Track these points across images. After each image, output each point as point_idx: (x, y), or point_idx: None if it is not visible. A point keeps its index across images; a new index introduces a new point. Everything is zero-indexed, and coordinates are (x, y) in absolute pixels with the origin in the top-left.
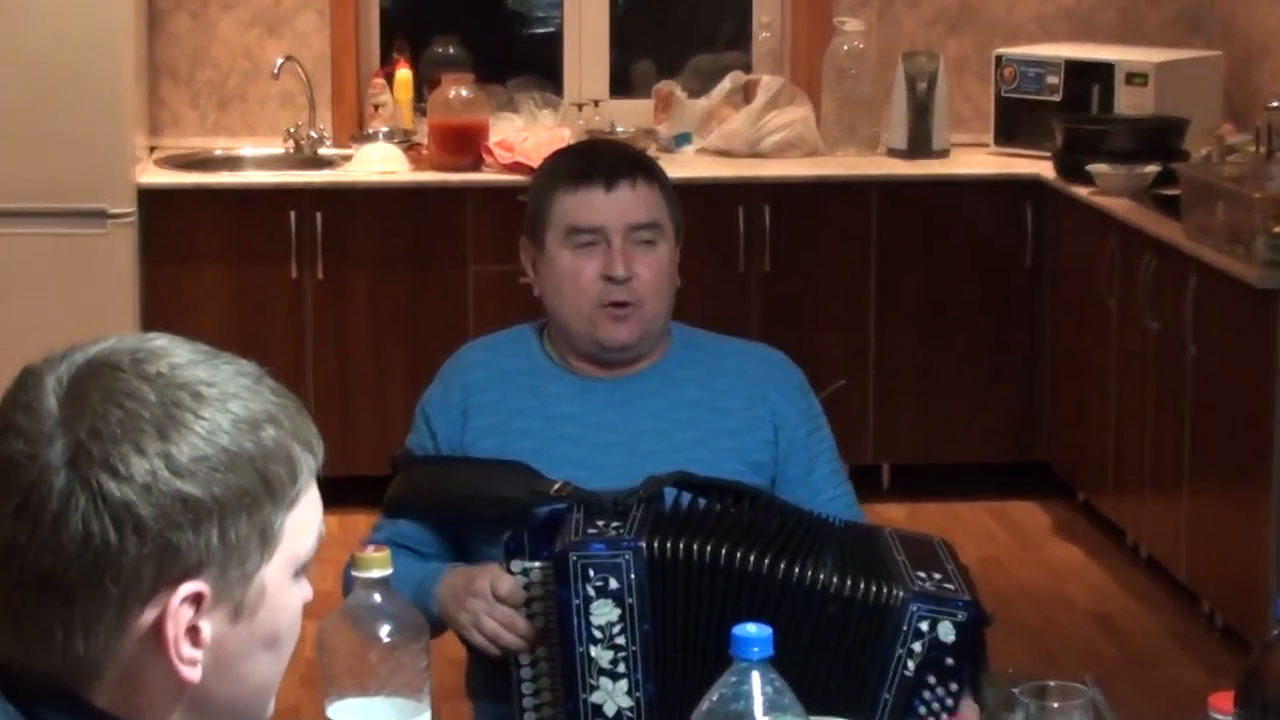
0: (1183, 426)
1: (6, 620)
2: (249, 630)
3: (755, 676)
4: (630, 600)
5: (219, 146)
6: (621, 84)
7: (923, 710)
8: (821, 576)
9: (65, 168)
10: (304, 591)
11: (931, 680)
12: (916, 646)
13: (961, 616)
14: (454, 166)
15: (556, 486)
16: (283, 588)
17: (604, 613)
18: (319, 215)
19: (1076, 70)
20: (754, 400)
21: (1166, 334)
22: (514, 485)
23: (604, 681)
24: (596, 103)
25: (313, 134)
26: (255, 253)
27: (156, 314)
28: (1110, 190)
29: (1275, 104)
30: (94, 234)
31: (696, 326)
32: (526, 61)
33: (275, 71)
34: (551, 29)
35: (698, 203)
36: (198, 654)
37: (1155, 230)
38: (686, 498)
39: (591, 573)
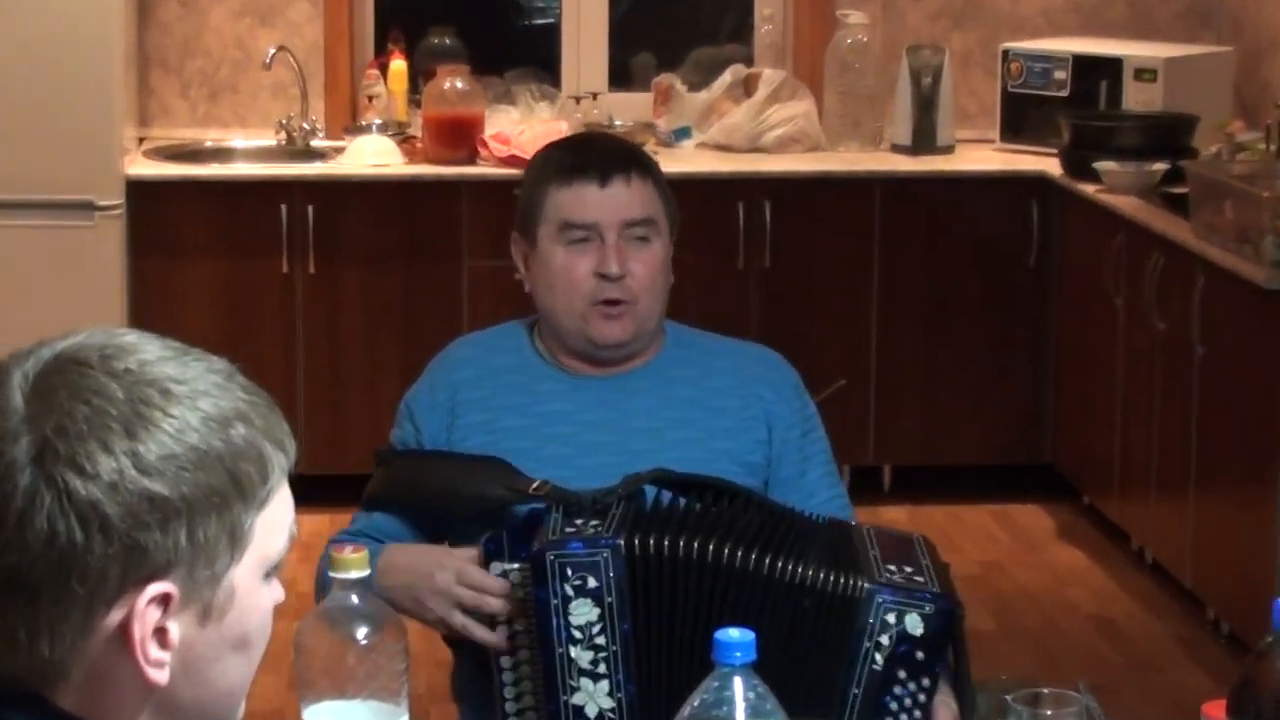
0: (1189, 429)
1: None
2: (218, 632)
3: (737, 682)
4: (609, 599)
5: (209, 138)
6: (621, 77)
7: (894, 706)
8: (795, 571)
9: (52, 159)
10: (275, 593)
11: (902, 675)
12: (884, 639)
13: (929, 609)
14: (449, 160)
15: (535, 485)
16: (253, 589)
17: (583, 612)
18: (311, 208)
19: (1084, 65)
20: (749, 400)
21: (1173, 334)
22: (493, 483)
23: (585, 682)
24: (595, 95)
25: (305, 125)
26: (246, 246)
27: (145, 308)
28: (1117, 188)
29: None
30: (81, 226)
31: (694, 324)
32: (524, 53)
33: (267, 61)
34: (550, 20)
35: (697, 198)
36: (165, 656)
37: (1163, 229)
38: (667, 495)
39: (569, 572)
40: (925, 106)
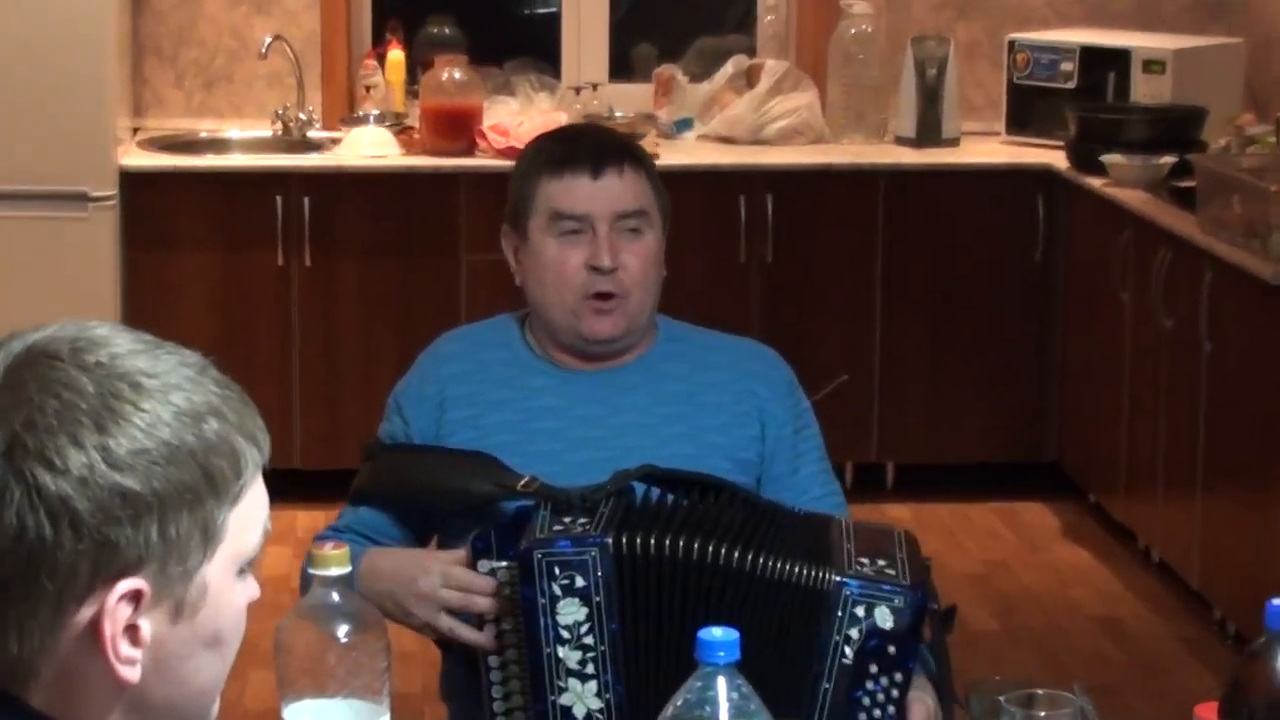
0: (1196, 426)
1: None
2: (190, 629)
3: (721, 681)
4: (598, 598)
5: (204, 128)
6: (621, 67)
7: (866, 701)
8: (772, 566)
9: (45, 149)
10: (249, 590)
11: (873, 670)
12: (853, 633)
13: (898, 601)
14: (447, 151)
15: (523, 482)
16: (226, 586)
17: (571, 612)
18: (307, 200)
19: (1092, 57)
20: (741, 396)
21: (1180, 330)
22: (480, 479)
23: (572, 683)
24: (595, 86)
25: (301, 116)
26: (240, 238)
27: (138, 301)
28: (1124, 181)
29: None
30: (74, 217)
31: (695, 319)
32: (524, 43)
33: (263, 51)
34: (550, 10)
35: (698, 190)
36: (136, 653)
37: (1170, 223)
38: (656, 492)
39: (557, 570)
40: (930, 98)
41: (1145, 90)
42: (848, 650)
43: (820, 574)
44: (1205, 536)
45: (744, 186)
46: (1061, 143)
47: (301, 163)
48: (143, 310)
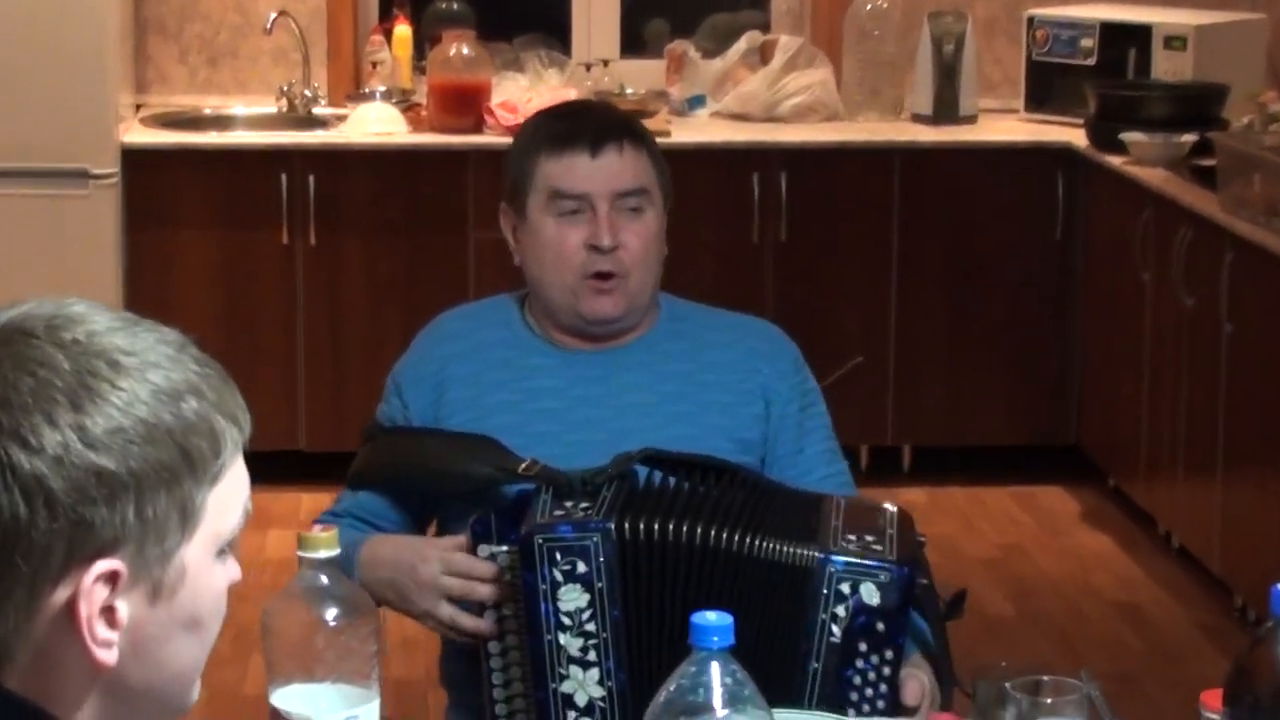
0: (1217, 409)
1: None
2: (168, 612)
3: (715, 667)
4: (600, 584)
5: (208, 105)
6: (633, 43)
7: (857, 680)
8: (763, 547)
9: (45, 126)
10: (230, 572)
11: (863, 648)
12: (840, 610)
13: (884, 577)
14: (454, 128)
15: (524, 465)
16: (205, 567)
17: (572, 598)
18: (312, 178)
19: (1112, 33)
20: (745, 375)
21: (1201, 311)
22: (481, 462)
23: (574, 670)
24: (606, 63)
25: (307, 93)
26: (244, 217)
27: (140, 281)
28: (1145, 160)
29: None
30: (75, 195)
31: (707, 299)
32: (533, 18)
33: (268, 26)
34: None
35: (711, 168)
36: (113, 636)
37: (1190, 202)
38: (659, 475)
39: (558, 556)
40: (947, 75)
41: (1166, 67)
42: (835, 629)
43: (805, 552)
44: (1226, 521)
45: (757, 165)
46: (1081, 120)
47: (307, 140)
48: (145, 291)
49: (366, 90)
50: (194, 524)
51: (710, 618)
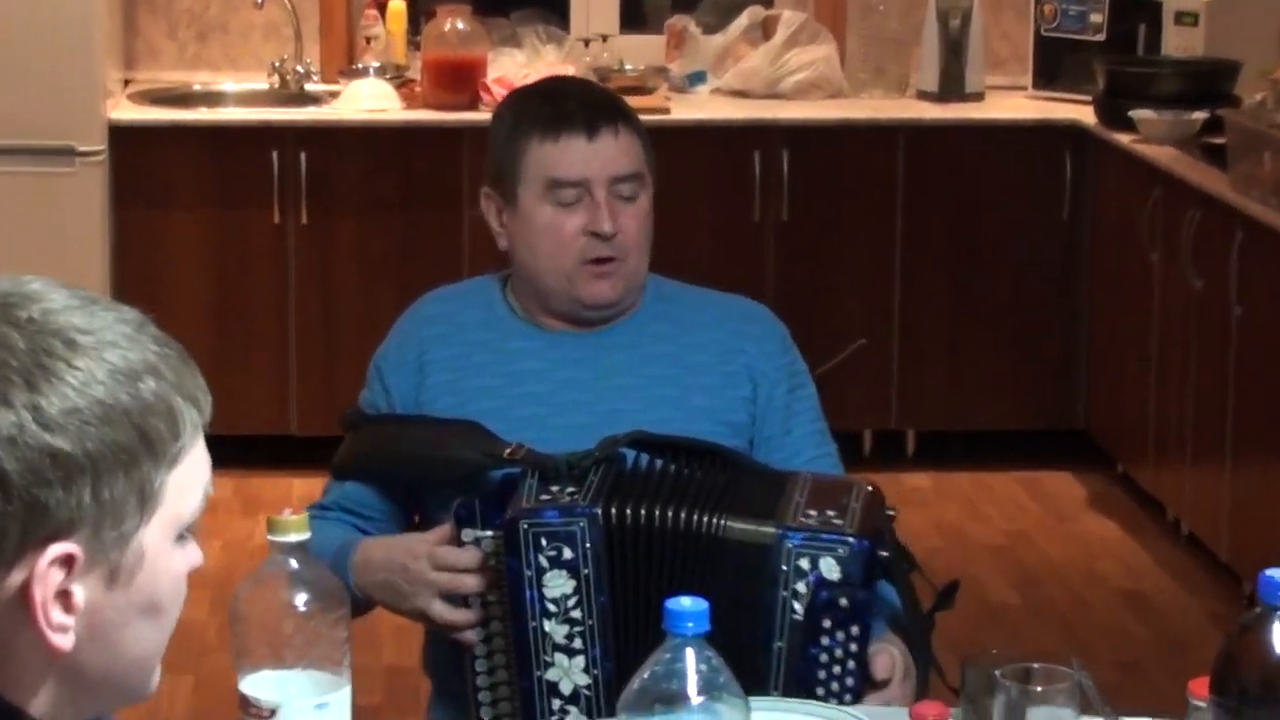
0: (1225, 392)
1: None
2: (126, 596)
3: (689, 653)
4: (586, 571)
5: (198, 81)
6: (633, 18)
7: (824, 658)
8: (721, 526)
9: (31, 102)
10: (191, 556)
11: (827, 624)
12: (800, 587)
13: (842, 551)
14: (449, 105)
15: (510, 449)
16: (164, 551)
17: (558, 584)
18: (304, 155)
19: (1122, 7)
20: (730, 355)
21: (1210, 293)
22: (466, 447)
23: (559, 658)
24: (605, 38)
25: (299, 68)
26: (235, 195)
27: (128, 260)
28: (1154, 138)
29: None
30: (61, 173)
31: (706, 279)
32: None
33: (259, 1)
34: None
35: (712, 146)
36: (69, 621)
37: (1200, 181)
38: (646, 459)
39: (544, 542)
40: (953, 51)
41: (1177, 42)
42: (797, 606)
43: (762, 529)
44: (1234, 507)
45: (759, 142)
46: (1090, 97)
47: (298, 117)
48: (133, 271)
49: (360, 66)
50: (152, 507)
51: (685, 603)
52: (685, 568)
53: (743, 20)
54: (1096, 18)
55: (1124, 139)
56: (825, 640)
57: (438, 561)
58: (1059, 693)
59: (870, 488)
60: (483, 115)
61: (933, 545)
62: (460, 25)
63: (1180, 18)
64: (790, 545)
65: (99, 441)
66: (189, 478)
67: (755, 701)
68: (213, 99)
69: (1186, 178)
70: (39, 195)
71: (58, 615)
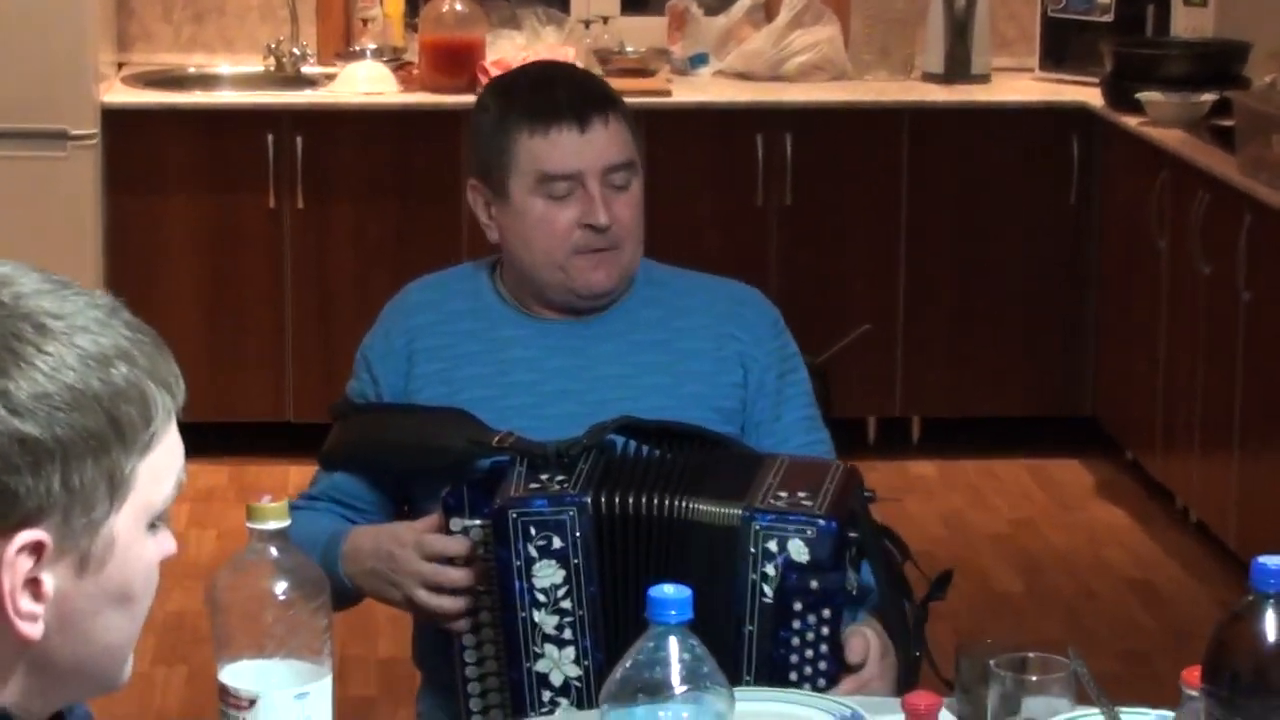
0: (1234, 379)
1: None
2: (96, 584)
3: (673, 641)
4: (576, 560)
5: (193, 63)
6: None
7: (795, 641)
8: (692, 510)
9: (22, 84)
10: (163, 545)
11: (798, 607)
12: (769, 569)
13: (810, 532)
14: (447, 88)
15: (499, 437)
16: (135, 539)
17: (547, 574)
18: (300, 139)
19: None
20: (722, 340)
21: (1219, 278)
22: (455, 436)
23: (549, 649)
24: (605, 20)
25: (295, 50)
26: (230, 180)
27: (120, 246)
28: (1162, 120)
29: None
30: (53, 157)
31: (709, 265)
32: None
33: None
34: None
35: (714, 129)
36: (38, 609)
37: (1208, 164)
38: (635, 445)
39: (533, 531)
40: (959, 32)
41: (1186, 23)
42: (766, 589)
43: (728, 511)
44: (1243, 496)
45: (761, 125)
46: (1097, 79)
47: (295, 100)
48: (126, 256)
49: (356, 48)
50: (123, 494)
51: (667, 591)
52: (668, 554)
53: (745, 1)
54: None
55: (1132, 121)
56: (796, 624)
57: (425, 550)
58: (1054, 682)
59: (848, 468)
60: None
61: (938, 534)
62: (458, 7)
63: None
64: (757, 527)
65: (68, 427)
66: (161, 465)
67: (748, 692)
68: (207, 82)
69: (1195, 161)
70: (30, 180)
71: (26, 603)
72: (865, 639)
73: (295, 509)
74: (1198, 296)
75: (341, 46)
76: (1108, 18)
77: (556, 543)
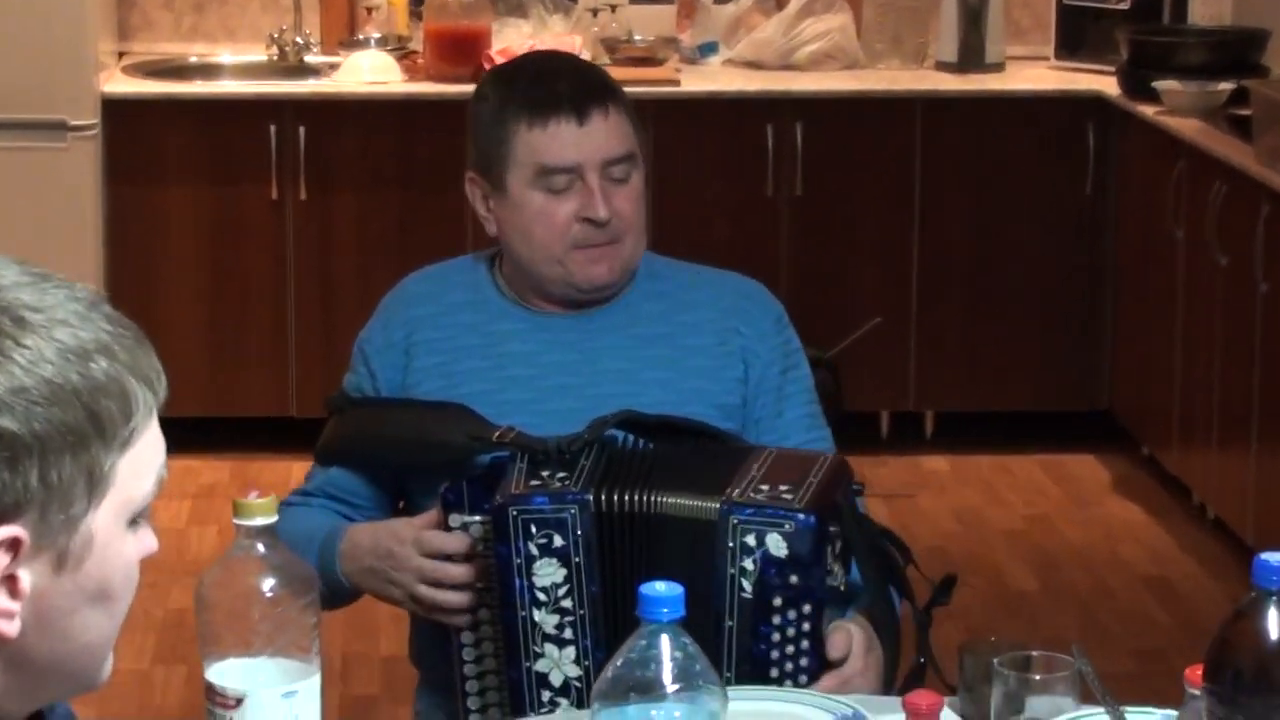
0: (1251, 372)
1: None
2: (74, 581)
3: (664, 640)
4: (577, 559)
5: (194, 53)
6: None
7: (775, 637)
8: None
9: (21, 74)
10: (144, 542)
11: (777, 603)
12: (748, 564)
13: (789, 526)
14: (452, 77)
15: (499, 432)
16: (114, 536)
17: (548, 573)
18: (303, 129)
19: None
20: (724, 335)
21: (1236, 269)
22: (454, 431)
23: (549, 648)
24: (613, 8)
25: (298, 39)
26: (232, 171)
27: (121, 238)
28: (1178, 109)
29: None
30: (53, 148)
31: (718, 256)
32: None
33: None
34: None
35: (723, 119)
36: (14, 606)
37: (1225, 154)
38: (637, 441)
39: (534, 529)
40: (973, 20)
41: (1204, 11)
42: (746, 584)
43: (706, 504)
44: (1260, 491)
45: (772, 115)
46: (1113, 68)
47: (297, 89)
48: (126, 249)
49: (360, 37)
50: (102, 490)
51: (659, 588)
52: (666, 552)
53: None
54: None
55: (1148, 111)
56: (776, 619)
57: (425, 546)
58: (1058, 681)
59: (836, 460)
60: None
61: (951, 530)
62: None
63: None
64: (735, 521)
65: (46, 422)
66: (142, 461)
67: (747, 691)
68: (209, 71)
69: (1212, 151)
70: (29, 171)
71: (3, 600)
72: (848, 634)
73: (289, 505)
74: (1215, 288)
75: (345, 35)
76: (1124, 5)
77: (557, 541)
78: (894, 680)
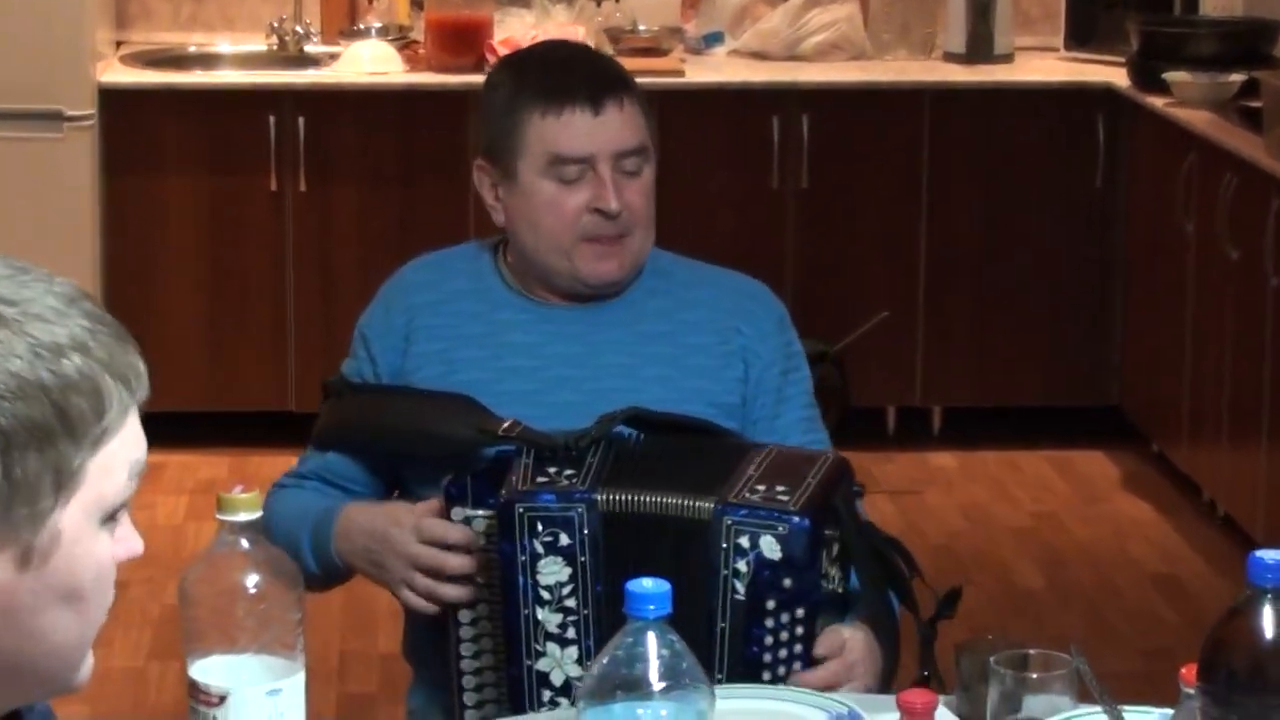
0: (1263, 368)
1: None
2: (41, 580)
3: (651, 637)
4: (583, 559)
5: (193, 42)
6: None
7: (768, 640)
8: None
9: (17, 64)
10: (126, 543)
11: (771, 605)
12: (741, 566)
13: (782, 529)
14: (454, 68)
15: (505, 426)
16: (85, 535)
17: (553, 571)
18: (302, 120)
19: None
20: (725, 335)
21: (1247, 263)
22: (458, 422)
23: (551, 648)
24: None
25: (298, 29)
26: (230, 162)
27: (118, 230)
28: (1189, 101)
29: None
30: (49, 138)
31: (724, 249)
32: None
33: None
34: None
35: (728, 110)
36: None
37: (1236, 146)
38: (643, 438)
39: (540, 527)
40: (982, 10)
41: (1214, 2)
42: (739, 585)
43: (700, 505)
44: (1271, 488)
45: (778, 106)
46: (1123, 59)
47: (297, 80)
48: (124, 240)
49: (361, 27)
50: (71, 488)
51: (646, 585)
52: (662, 551)
53: None
54: None
55: (1158, 102)
56: (770, 622)
57: (424, 534)
58: (1055, 680)
59: (836, 460)
60: None
61: (958, 527)
62: None
63: None
64: (729, 522)
65: (11, 417)
66: (115, 459)
67: (743, 690)
68: (208, 61)
69: (1223, 143)
70: (25, 161)
71: None
72: (841, 638)
73: (282, 487)
74: (1225, 282)
75: (346, 25)
76: None
77: (563, 539)
78: (892, 688)
